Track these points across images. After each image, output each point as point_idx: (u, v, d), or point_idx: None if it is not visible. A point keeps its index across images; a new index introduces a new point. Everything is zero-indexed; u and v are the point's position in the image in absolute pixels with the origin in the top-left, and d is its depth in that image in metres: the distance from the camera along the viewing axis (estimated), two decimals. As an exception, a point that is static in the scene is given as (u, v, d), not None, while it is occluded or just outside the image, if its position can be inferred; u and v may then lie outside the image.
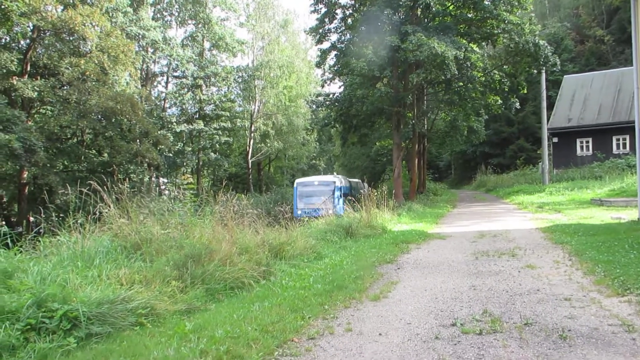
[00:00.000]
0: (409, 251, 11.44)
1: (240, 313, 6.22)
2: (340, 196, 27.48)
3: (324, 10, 28.81)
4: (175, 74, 41.64)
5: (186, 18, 43.37)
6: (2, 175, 25.27)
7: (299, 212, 26.57)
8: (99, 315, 5.62)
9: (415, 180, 31.93)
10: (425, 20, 27.92)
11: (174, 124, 39.39)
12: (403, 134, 29.15)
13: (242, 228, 10.42)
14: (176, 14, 43.54)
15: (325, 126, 35.45)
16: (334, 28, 29.51)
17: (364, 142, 39.44)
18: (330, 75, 30.35)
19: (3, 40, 27.35)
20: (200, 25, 42.86)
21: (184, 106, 41.20)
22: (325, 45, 30.00)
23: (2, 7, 23.93)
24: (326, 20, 28.95)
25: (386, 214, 18.14)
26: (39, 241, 8.52)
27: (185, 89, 41.06)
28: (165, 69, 41.67)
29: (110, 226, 8.35)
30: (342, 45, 29.09)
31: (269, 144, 47.69)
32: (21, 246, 7.83)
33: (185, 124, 39.63)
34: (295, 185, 29.47)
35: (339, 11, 29.13)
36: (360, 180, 36.85)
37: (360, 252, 11.33)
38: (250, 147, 47.54)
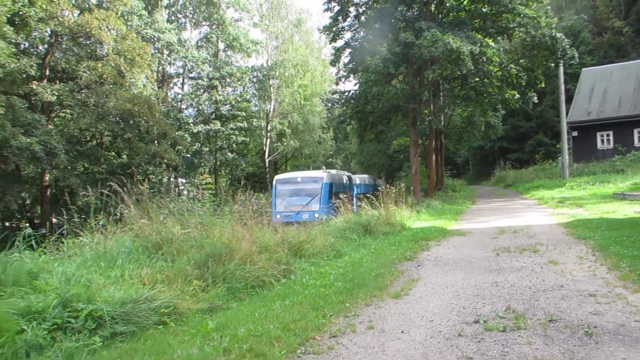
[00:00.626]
0: (429, 248, 11.38)
1: (262, 311, 6.24)
2: (330, 196, 23.10)
3: (337, 8, 28.73)
4: (190, 75, 41.95)
5: (200, 20, 43.62)
6: (25, 178, 25.68)
7: (278, 216, 22.20)
8: (123, 315, 5.69)
9: (433, 177, 31.72)
10: (440, 15, 27.66)
11: (191, 124, 39.70)
12: (419, 130, 28.97)
13: (261, 227, 10.47)
14: (190, 15, 43.83)
15: (341, 123, 35.35)
16: (347, 26, 29.39)
17: (380, 139, 39.28)
18: (345, 73, 30.24)
19: (22, 46, 27.72)
20: (214, 27, 43.09)
21: (200, 107, 41.50)
22: (339, 43, 29.88)
23: (20, 13, 24.29)
24: (339, 18, 28.85)
25: (404, 211, 18.09)
26: (62, 242, 8.65)
27: (201, 90, 41.35)
28: (181, 71, 42.01)
29: (132, 227, 8.44)
30: (356, 43, 28.97)
31: (285, 143, 47.82)
32: (45, 247, 7.96)
33: (202, 125, 39.92)
34: (274, 182, 25.12)
35: (352, 9, 29.01)
36: (375, 177, 36.53)
37: (380, 250, 11.31)
38: (267, 146, 47.71)
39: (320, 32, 33.27)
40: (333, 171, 27.65)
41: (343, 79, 30.53)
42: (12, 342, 4.76)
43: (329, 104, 34.52)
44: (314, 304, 6.49)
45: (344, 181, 27.18)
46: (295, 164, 57.03)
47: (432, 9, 27.32)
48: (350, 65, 29.19)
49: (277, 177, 25.89)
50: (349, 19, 29.23)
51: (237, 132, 41.99)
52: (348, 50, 29.54)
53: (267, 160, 48.08)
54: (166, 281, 6.93)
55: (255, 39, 44.90)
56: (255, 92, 47.33)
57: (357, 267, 9.10)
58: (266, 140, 47.54)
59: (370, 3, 28.25)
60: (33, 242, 7.54)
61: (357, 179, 31.29)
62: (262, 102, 47.87)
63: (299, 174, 26.24)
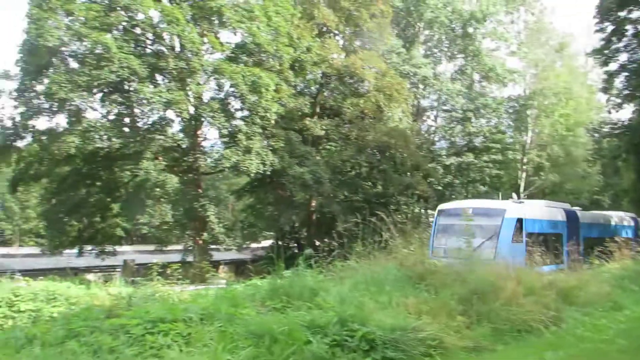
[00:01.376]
0: None
1: None
2: (518, 237, 16.75)
3: (610, 28, 25.84)
4: (444, 107, 42.32)
5: (455, 52, 43.89)
6: (296, 203, 29.15)
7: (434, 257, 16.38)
8: (393, 341, 5.89)
9: None
10: None
11: (444, 156, 39.92)
12: None
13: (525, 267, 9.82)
14: (446, 49, 44.46)
15: (614, 159, 31.32)
16: (623, 47, 26.14)
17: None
18: (619, 101, 26.87)
19: (298, 87, 31.69)
20: (469, 58, 42.86)
21: (452, 139, 41.48)
22: (612, 66, 26.71)
23: (299, 59, 27.88)
24: (613, 39, 25.87)
25: None
26: (330, 264, 9.46)
27: (454, 122, 41.35)
28: (435, 104, 42.69)
29: (396, 255, 8.76)
30: (635, 65, 25.52)
31: (543, 177, 44.37)
32: (320, 268, 8.79)
33: (454, 157, 39.80)
34: (435, 213, 19.56)
35: (629, 27, 25.72)
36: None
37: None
38: (522, 180, 44.97)
39: (587, 56, 30.35)
40: (531, 202, 21.80)
41: (616, 107, 27.16)
42: (300, 351, 5.32)
43: (596, 135, 30.94)
44: (594, 360, 5.74)
45: (556, 217, 19.78)
46: (553, 199, 52.39)
47: None
48: (626, 91, 25.83)
49: (441, 206, 19.95)
50: (625, 39, 25.99)
51: (490, 165, 40.66)
52: (623, 74, 26.22)
53: (522, 195, 45.25)
54: (430, 313, 6.96)
55: (512, 68, 43.20)
56: (511, 123, 45.31)
57: (643, 325, 7.80)
58: (521, 174, 44.85)
59: (654, 18, 24.69)
60: (300, 261, 8.36)
61: (589, 217, 22.89)
62: (518, 134, 45.48)
63: (471, 204, 19.81)
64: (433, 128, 43.48)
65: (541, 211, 19.72)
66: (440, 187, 38.78)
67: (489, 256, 14.44)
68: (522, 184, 44.47)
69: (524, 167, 44.45)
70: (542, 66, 45.47)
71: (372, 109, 30.43)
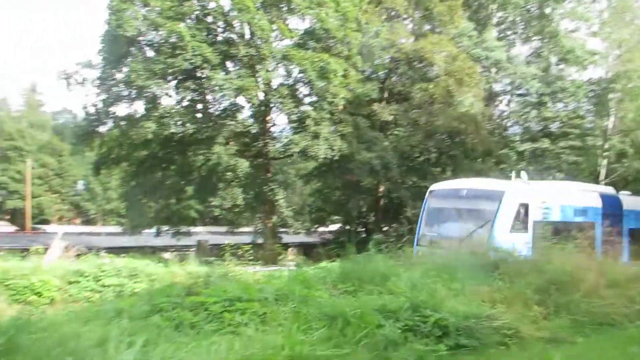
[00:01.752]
0: None
1: (614, 353, 5.56)
2: (522, 225, 13.92)
3: None
4: (518, 91, 40.66)
5: (531, 34, 41.96)
6: (363, 188, 29.11)
7: (419, 251, 13.89)
8: (466, 328, 5.82)
9: None
10: None
11: (517, 142, 38.49)
12: None
13: (607, 258, 9.38)
14: (520, 31, 42.61)
15: None
16: None
17: None
18: None
19: (366, 73, 31.44)
20: (545, 40, 40.85)
21: (527, 124, 39.84)
22: None
23: (367, 44, 27.63)
24: None
25: None
26: (400, 249, 9.43)
27: (529, 107, 39.66)
28: (508, 88, 41.10)
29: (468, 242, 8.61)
30: None
31: (626, 164, 41.83)
32: (390, 253, 8.78)
33: (528, 143, 38.27)
34: (426, 195, 16.87)
35: None
36: None
37: None
38: (603, 167, 42.58)
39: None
40: (547, 183, 18.25)
41: None
42: (372, 334, 5.37)
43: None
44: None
45: (587, 203, 16.39)
46: (636, 188, 49.35)
47: None
48: None
49: (433, 186, 17.34)
50: None
51: (568, 151, 38.76)
52: None
53: (602, 183, 42.84)
54: (505, 302, 6.81)
55: (593, 50, 40.78)
56: (591, 107, 42.89)
57: None
58: (602, 161, 42.44)
59: None
60: (382, 247, 8.39)
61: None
62: (598, 119, 43.00)
63: (467, 184, 16.52)
64: (506, 113, 41.97)
65: (561, 195, 16.48)
66: (512, 174, 37.50)
67: (480, 248, 11.71)
68: (603, 172, 42.13)
69: (605, 153, 42.02)
70: (626, 47, 42.62)
71: (442, 93, 29.73)
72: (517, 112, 40.33)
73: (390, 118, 29.34)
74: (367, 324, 5.41)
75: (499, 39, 40.50)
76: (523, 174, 16.52)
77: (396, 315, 5.79)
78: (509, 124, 41.37)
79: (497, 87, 41.23)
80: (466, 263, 7.81)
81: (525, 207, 14.06)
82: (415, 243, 14.72)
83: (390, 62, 31.30)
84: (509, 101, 42.39)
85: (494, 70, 38.53)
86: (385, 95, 31.64)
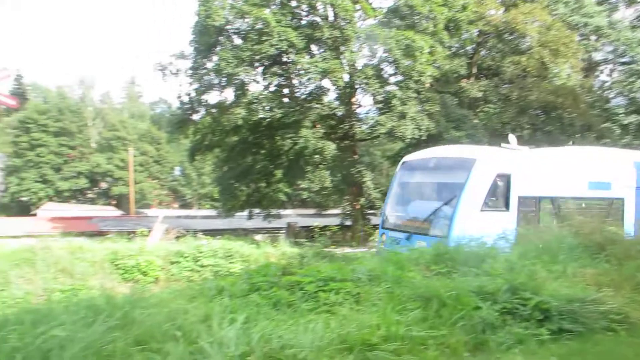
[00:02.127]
0: None
1: None
2: (503, 203, 11.37)
3: None
4: (622, 60, 37.55)
5: (637, -5, 38.50)
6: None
7: (383, 236, 12.90)
8: (570, 312, 5.56)
9: None
10: None
11: (621, 115, 35.71)
12: None
13: None
14: (625, -7, 39.19)
15: None
16: None
17: None
18: None
19: (453, 48, 30.38)
20: (654, 1, 37.35)
21: (632, 95, 36.77)
22: None
23: (454, 18, 26.63)
24: None
25: None
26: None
27: (635, 76, 36.55)
28: (610, 56, 38.07)
29: (570, 223, 8.18)
30: None
31: None
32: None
33: (634, 115, 35.37)
34: (397, 168, 14.45)
35: None
36: None
37: None
38: None
39: None
40: (523, 148, 13.10)
41: None
42: (469, 316, 5.27)
43: None
44: None
45: (609, 174, 12.90)
46: None
47: None
48: None
49: (405, 157, 14.56)
50: None
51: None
52: None
53: None
54: (612, 285, 6.41)
55: None
56: None
57: None
58: None
59: None
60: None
61: None
62: None
63: (440, 152, 13.75)
64: (608, 84, 38.98)
65: (568, 161, 13.04)
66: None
67: (442, 233, 10.65)
68: None
69: None
70: None
71: (536, 66, 28.14)
72: (621, 82, 37.32)
73: (480, 94, 28.28)
74: (464, 305, 5.31)
75: (599, 3, 37.49)
76: (511, 137, 13.65)
77: (494, 298, 5.62)
78: (611, 96, 38.43)
79: (597, 56, 38.38)
80: (568, 244, 7.42)
81: (506, 178, 11.31)
82: (380, 226, 13.39)
83: (479, 36, 30.01)
84: (612, 71, 39.35)
85: (593, 38, 35.87)
86: (474, 70, 30.47)
